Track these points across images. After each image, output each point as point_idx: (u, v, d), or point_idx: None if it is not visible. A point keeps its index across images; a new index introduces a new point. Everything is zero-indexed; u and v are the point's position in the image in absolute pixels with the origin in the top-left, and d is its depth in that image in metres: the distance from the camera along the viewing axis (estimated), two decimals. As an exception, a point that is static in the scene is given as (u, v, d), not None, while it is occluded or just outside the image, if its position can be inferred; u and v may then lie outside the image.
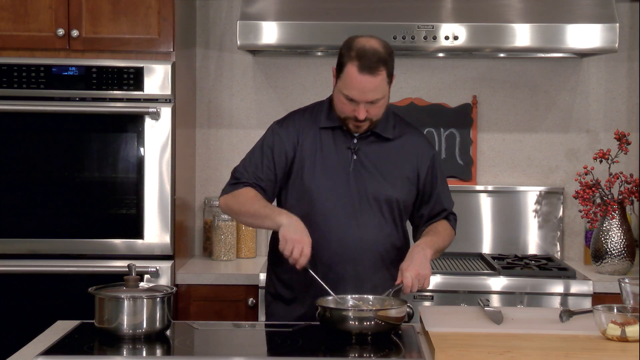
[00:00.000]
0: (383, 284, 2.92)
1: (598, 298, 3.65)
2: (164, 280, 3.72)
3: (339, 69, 2.91)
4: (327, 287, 2.80)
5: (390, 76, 2.90)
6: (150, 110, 3.72)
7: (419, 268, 2.85)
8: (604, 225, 3.87)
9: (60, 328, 2.74)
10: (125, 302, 2.55)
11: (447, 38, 3.78)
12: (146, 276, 3.69)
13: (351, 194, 2.98)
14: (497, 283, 3.74)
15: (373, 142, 3.02)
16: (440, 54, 4.22)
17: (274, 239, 3.06)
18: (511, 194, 4.28)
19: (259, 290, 3.67)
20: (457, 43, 3.79)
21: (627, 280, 2.73)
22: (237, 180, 3.03)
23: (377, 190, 2.99)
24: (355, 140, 3.00)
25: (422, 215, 3.11)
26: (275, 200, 3.09)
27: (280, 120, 3.12)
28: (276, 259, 3.05)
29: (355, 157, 2.99)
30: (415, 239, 3.11)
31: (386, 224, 3.01)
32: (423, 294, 3.72)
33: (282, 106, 4.22)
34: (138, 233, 3.74)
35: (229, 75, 4.35)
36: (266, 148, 3.03)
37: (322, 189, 2.98)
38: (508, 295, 3.73)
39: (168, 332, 2.66)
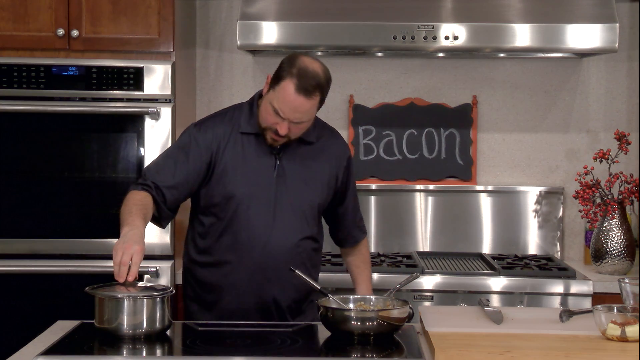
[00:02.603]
0: (304, 285, 2.93)
1: (598, 298, 3.65)
2: (164, 280, 3.72)
3: (276, 81, 2.87)
4: (314, 284, 2.84)
5: (321, 103, 2.92)
6: (150, 110, 3.72)
7: None
8: (604, 225, 3.87)
9: (60, 328, 2.74)
10: (125, 302, 2.55)
11: (447, 38, 3.78)
12: (146, 276, 3.69)
13: (274, 200, 2.98)
14: (497, 283, 3.74)
15: (296, 147, 3.02)
16: (440, 54, 4.22)
17: (192, 238, 3.10)
18: (511, 194, 4.28)
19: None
20: (457, 43, 3.79)
21: (627, 280, 2.73)
22: (139, 181, 2.98)
23: (299, 196, 3.01)
24: (279, 146, 2.99)
25: (338, 216, 3.19)
26: (191, 202, 3.09)
27: (198, 123, 3.09)
28: (193, 259, 3.09)
29: (279, 162, 3.00)
30: (341, 244, 3.26)
31: (308, 227, 3.04)
32: (423, 294, 3.72)
33: (282, 106, 4.21)
34: (138, 233, 3.74)
35: (229, 75, 4.35)
36: (181, 152, 3.00)
37: (245, 196, 2.97)
38: (508, 295, 3.73)
39: (168, 332, 2.66)
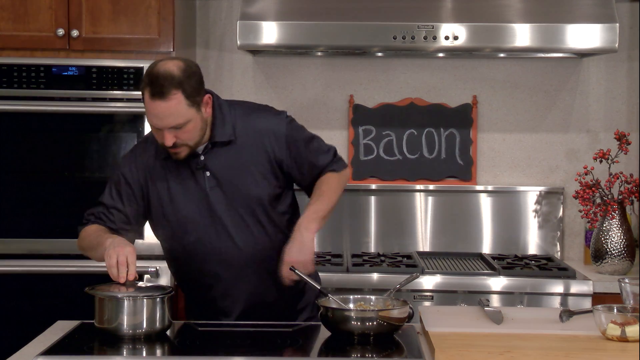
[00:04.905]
0: (284, 284, 2.88)
1: (598, 298, 3.65)
2: (164, 280, 3.73)
3: (142, 99, 2.77)
4: (314, 284, 2.81)
5: (192, 97, 2.74)
6: (150, 110, 3.72)
7: (297, 255, 2.80)
8: (604, 225, 3.87)
9: (60, 328, 2.74)
10: (125, 302, 2.55)
11: (447, 38, 3.78)
12: (146, 276, 3.69)
13: (217, 213, 2.88)
14: (497, 283, 3.74)
15: (219, 151, 2.88)
16: (440, 54, 4.22)
17: (176, 278, 3.09)
18: (511, 194, 4.28)
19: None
20: (457, 43, 3.79)
21: (627, 280, 2.73)
22: (83, 221, 2.96)
23: (242, 198, 2.89)
24: (202, 158, 2.87)
25: (304, 181, 3.01)
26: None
27: (124, 156, 3.03)
28: (187, 293, 3.09)
29: (208, 174, 2.88)
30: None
31: (262, 226, 2.92)
32: (423, 294, 3.72)
33: (282, 106, 4.21)
34: (138, 233, 3.74)
35: (229, 75, 4.35)
36: (114, 189, 2.94)
37: (187, 219, 2.89)
38: (508, 295, 3.73)
39: (168, 332, 2.66)
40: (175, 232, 2.93)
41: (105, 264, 2.65)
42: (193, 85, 2.76)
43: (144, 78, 2.75)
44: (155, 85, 2.70)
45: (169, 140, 2.75)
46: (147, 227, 3.03)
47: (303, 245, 2.82)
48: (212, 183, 2.88)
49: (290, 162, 2.94)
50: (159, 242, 3.72)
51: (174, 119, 2.73)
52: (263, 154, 2.91)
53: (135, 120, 3.75)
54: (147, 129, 3.74)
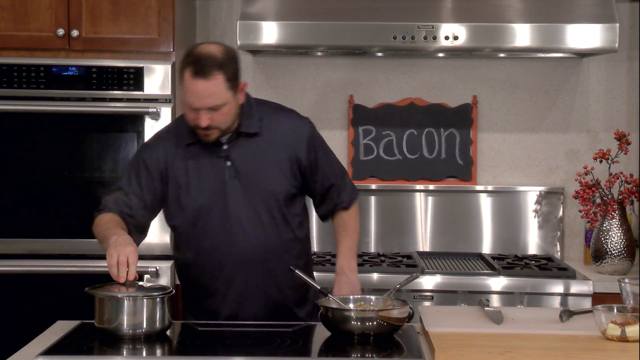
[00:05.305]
0: (294, 279, 2.91)
1: (598, 298, 3.65)
2: (164, 280, 3.73)
3: (180, 78, 2.81)
4: (314, 284, 2.83)
5: (232, 81, 2.80)
6: (150, 110, 3.73)
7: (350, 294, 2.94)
8: (604, 225, 3.87)
9: (60, 328, 2.75)
10: (125, 302, 2.55)
11: (447, 38, 3.78)
12: (146, 276, 3.69)
13: (233, 204, 2.90)
14: (497, 283, 3.74)
15: (242, 142, 2.92)
16: (440, 54, 4.22)
17: (180, 267, 3.08)
18: (511, 194, 4.28)
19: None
20: (457, 43, 3.79)
21: (627, 280, 2.73)
22: (100, 207, 2.94)
23: (259, 192, 2.91)
24: (225, 147, 2.91)
25: (314, 191, 3.05)
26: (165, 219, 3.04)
27: (146, 142, 3.07)
28: (188, 286, 3.07)
29: (229, 163, 2.91)
30: (324, 219, 3.14)
31: (275, 221, 2.94)
32: (423, 294, 3.72)
33: (282, 106, 4.22)
34: (138, 233, 3.74)
35: (229, 75, 4.34)
36: (132, 174, 2.95)
37: (203, 207, 2.91)
38: (508, 295, 3.73)
39: (168, 332, 2.66)
40: (188, 219, 2.94)
41: (106, 263, 2.66)
42: (233, 68, 2.82)
43: (185, 58, 2.80)
44: (198, 64, 2.75)
45: (204, 121, 2.79)
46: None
47: (354, 287, 3.02)
48: (232, 173, 2.91)
49: (307, 163, 2.98)
50: (159, 242, 3.74)
51: (213, 100, 2.77)
52: (285, 151, 2.95)
53: (135, 120, 3.75)
54: (147, 129, 3.74)
